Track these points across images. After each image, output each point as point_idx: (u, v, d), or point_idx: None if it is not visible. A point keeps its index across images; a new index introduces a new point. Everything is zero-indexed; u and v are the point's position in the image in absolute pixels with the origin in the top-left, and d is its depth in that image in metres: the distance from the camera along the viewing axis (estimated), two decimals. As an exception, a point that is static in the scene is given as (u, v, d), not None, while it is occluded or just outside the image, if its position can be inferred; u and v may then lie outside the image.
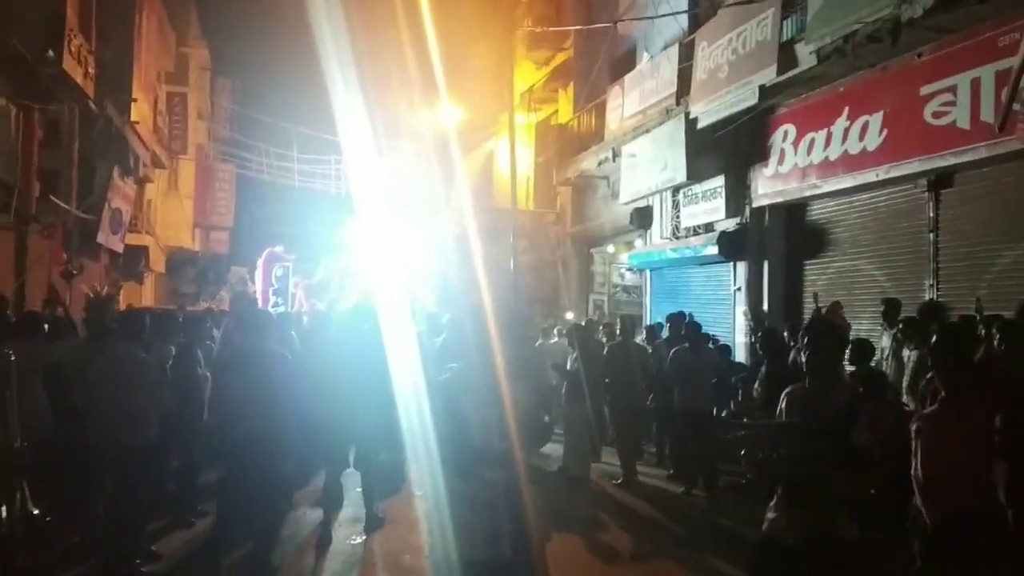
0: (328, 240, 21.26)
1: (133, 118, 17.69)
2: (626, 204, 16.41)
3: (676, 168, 13.80)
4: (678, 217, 15.28)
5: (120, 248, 19.87)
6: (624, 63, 18.00)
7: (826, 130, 11.25)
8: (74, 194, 14.35)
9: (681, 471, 9.89)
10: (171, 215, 31.10)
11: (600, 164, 17.66)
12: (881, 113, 10.29)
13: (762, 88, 11.61)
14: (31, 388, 6.13)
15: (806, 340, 4.25)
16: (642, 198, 15.73)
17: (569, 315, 18.73)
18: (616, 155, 16.83)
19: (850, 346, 6.65)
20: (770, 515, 4.29)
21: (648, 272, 16.84)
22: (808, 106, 11.70)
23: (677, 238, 15.48)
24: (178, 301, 30.83)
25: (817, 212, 12.31)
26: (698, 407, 9.29)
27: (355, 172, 27.88)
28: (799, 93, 11.73)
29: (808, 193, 11.81)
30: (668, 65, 14.44)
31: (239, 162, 33.27)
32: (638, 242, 17.96)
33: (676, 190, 15.25)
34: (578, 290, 20.60)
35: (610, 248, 19.91)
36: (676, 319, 10.53)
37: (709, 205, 13.98)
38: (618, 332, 11.32)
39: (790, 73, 11.09)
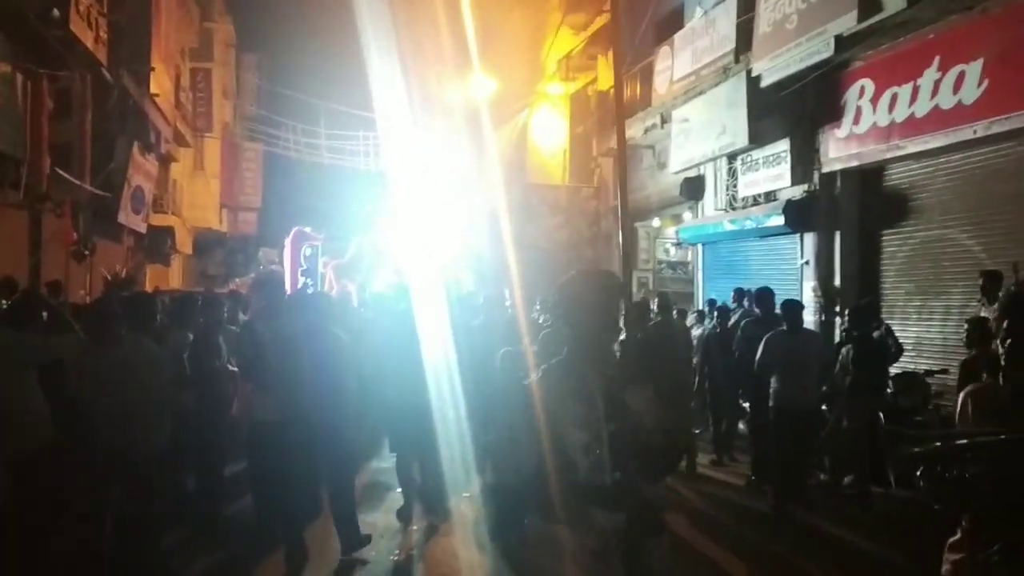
0: (358, 218, 20.37)
1: (152, 90, 16.80)
2: (677, 173, 15.29)
3: (736, 132, 12.66)
4: (735, 186, 14.15)
5: (143, 229, 19.08)
6: (670, 23, 16.82)
7: (912, 83, 10.06)
8: (87, 169, 13.47)
9: (764, 480, 8.66)
10: (197, 195, 30.36)
11: (646, 132, 16.53)
12: (980, 61, 9.08)
13: (839, 38, 10.45)
14: (20, 386, 5.20)
15: (1006, 323, 3.21)
16: (695, 166, 14.60)
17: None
18: (665, 121, 15.71)
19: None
20: (953, 556, 3.29)
21: (700, 247, 15.73)
22: (891, 57, 10.50)
23: (733, 209, 14.35)
24: (206, 284, 30.31)
25: (898, 176, 11.14)
26: (804, 405, 7.80)
27: (387, 147, 27.08)
28: (880, 43, 10.52)
29: (888, 155, 10.63)
30: (725, 19, 13.26)
31: (267, 140, 32.40)
32: (686, 215, 16.84)
33: (733, 157, 14.12)
34: (621, 267, 19.44)
35: (655, 222, 18.80)
36: (765, 296, 9.12)
37: (772, 172, 12.83)
38: (656, 311, 10.23)
39: (873, 19, 9.91)
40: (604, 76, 20.56)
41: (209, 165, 31.61)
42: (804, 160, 12.20)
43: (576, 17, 21.96)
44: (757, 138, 12.46)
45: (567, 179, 25.98)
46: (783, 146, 12.51)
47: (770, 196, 13.18)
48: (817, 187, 12.04)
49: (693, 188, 15.49)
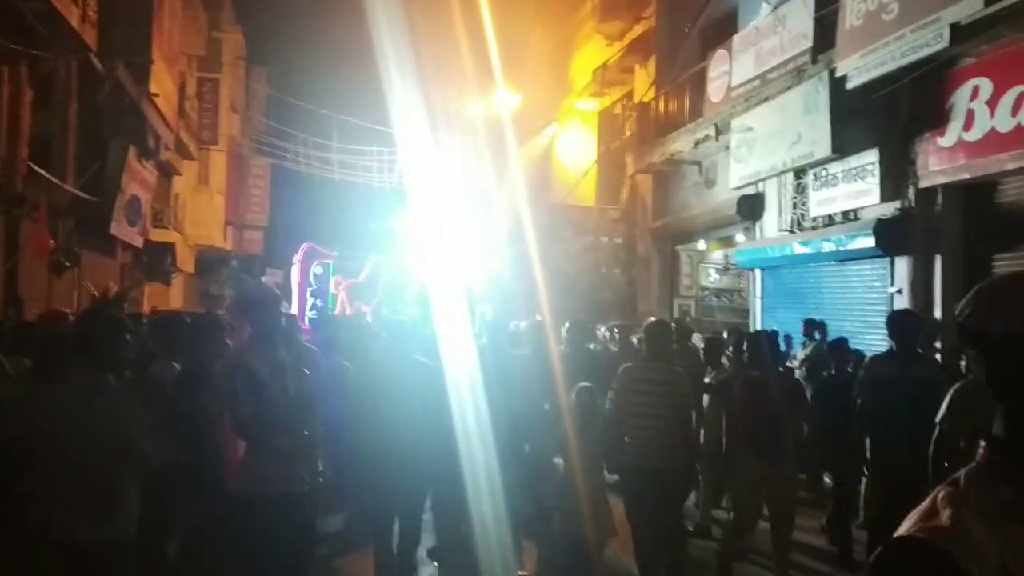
0: (373, 237, 18.82)
1: (152, 90, 15.28)
2: (736, 189, 13.66)
3: (816, 141, 11.05)
4: (805, 204, 12.52)
5: (139, 243, 17.49)
6: (720, 29, 15.30)
7: (1049, 80, 8.48)
8: (69, 168, 11.85)
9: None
10: (201, 211, 28.84)
11: (697, 145, 14.93)
12: None
13: (955, 27, 8.85)
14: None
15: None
16: (759, 180, 12.97)
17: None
18: (720, 133, 14.11)
19: None
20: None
21: (758, 272, 14.07)
22: (1016, 51, 8.89)
23: (801, 229, 12.72)
24: (208, 305, 28.76)
25: (1015, 192, 9.49)
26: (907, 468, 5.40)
27: (404, 163, 25.59)
28: (1003, 35, 8.93)
29: (1010, 166, 8.99)
30: (800, 14, 11.68)
31: (276, 154, 30.94)
32: (739, 237, 15.22)
33: (802, 172, 12.53)
34: (660, 294, 17.87)
35: (700, 245, 17.16)
36: (907, 323, 6.37)
37: (855, 187, 11.21)
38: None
39: (1002, 3, 8.32)
40: (642, 87, 19.04)
41: (214, 180, 30.13)
42: (896, 173, 10.58)
43: (610, 26, 20.54)
44: (841, 148, 10.84)
45: (594, 200, 24.51)
46: (870, 157, 10.89)
47: (849, 215, 11.55)
48: (912, 204, 10.40)
49: (751, 207, 13.88)
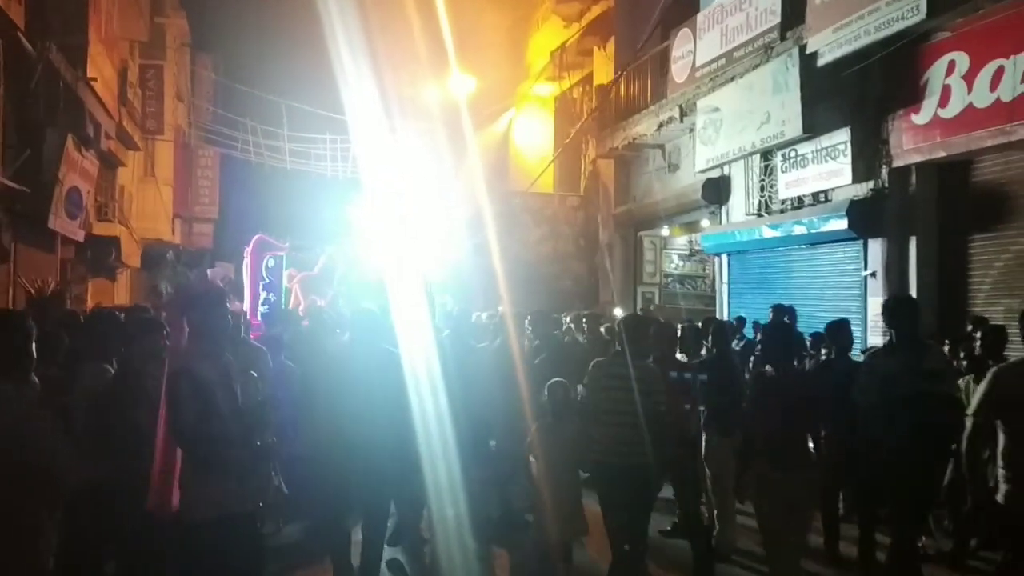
0: (327, 227, 18.11)
1: (90, 74, 14.44)
2: (702, 172, 13.30)
3: (787, 120, 10.70)
4: (773, 186, 12.18)
5: (80, 237, 16.64)
6: (683, 7, 14.88)
7: (1027, 53, 8.17)
8: (0, 157, 11.03)
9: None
10: (148, 204, 27.80)
11: (660, 128, 14.52)
12: None
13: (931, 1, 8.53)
14: None
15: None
16: (727, 162, 12.60)
17: (617, 311, 15.68)
18: (685, 114, 13.73)
19: None
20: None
21: (725, 257, 13.72)
22: (994, 23, 8.59)
23: (768, 212, 12.39)
24: (156, 300, 27.76)
25: (992, 170, 9.23)
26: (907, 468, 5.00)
27: (357, 152, 24.82)
28: (979, 7, 8.63)
29: (989, 143, 8.70)
30: (768, -10, 11.33)
31: (225, 144, 29.96)
32: (704, 222, 14.89)
33: (769, 154, 12.20)
34: (623, 282, 17.47)
35: (664, 231, 16.79)
36: (906, 309, 5.48)
37: (825, 168, 10.88)
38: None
39: (981, -28, 8.02)
40: (602, 70, 18.60)
41: (161, 171, 29.05)
42: (868, 153, 10.27)
43: (568, 7, 20.05)
44: (812, 128, 10.49)
45: (553, 187, 24.08)
46: (841, 137, 10.57)
47: (820, 197, 11.23)
48: (886, 184, 10.09)
49: (717, 190, 13.53)
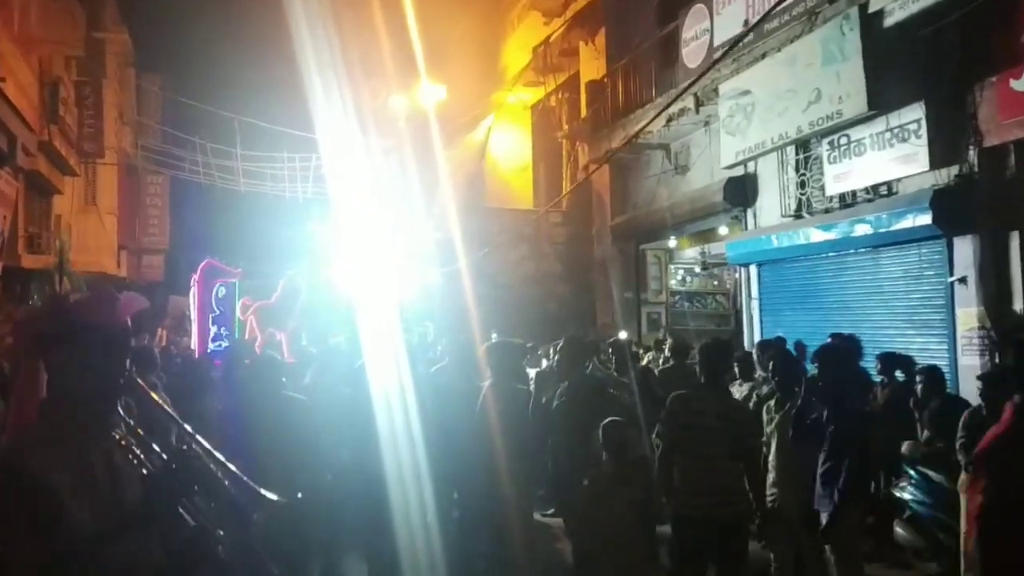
0: (288, 250, 16.01)
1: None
2: (730, 168, 11.38)
3: (846, 95, 8.80)
4: (818, 180, 10.27)
5: (-3, 269, 14.33)
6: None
7: None
8: None
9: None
10: (89, 235, 25.34)
11: (670, 122, 12.58)
12: None
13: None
14: None
15: None
16: (762, 154, 10.63)
17: (623, 335, 13.71)
18: (701, 103, 11.82)
19: None
20: None
21: (753, 268, 11.76)
22: None
23: (811, 212, 10.48)
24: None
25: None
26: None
27: (321, 170, 22.79)
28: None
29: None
30: (810, -56, 9.45)
31: (175, 166, 27.79)
32: (723, 228, 12.99)
33: (806, 144, 10.34)
34: (624, 301, 15.45)
35: (671, 242, 14.84)
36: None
37: (890, 153, 8.98)
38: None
39: None
40: (591, 67, 16.69)
41: (103, 199, 26.65)
42: (950, 131, 8.38)
43: (547, 0, 18.12)
44: (880, 102, 8.59)
45: (533, 203, 22.18)
46: (912, 114, 8.68)
47: (880, 190, 9.33)
48: (975, 169, 8.20)
49: (742, 191, 11.63)
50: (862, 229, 9.07)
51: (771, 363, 5.74)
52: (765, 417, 5.71)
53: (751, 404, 6.63)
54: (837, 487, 4.73)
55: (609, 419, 4.97)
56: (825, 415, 4.95)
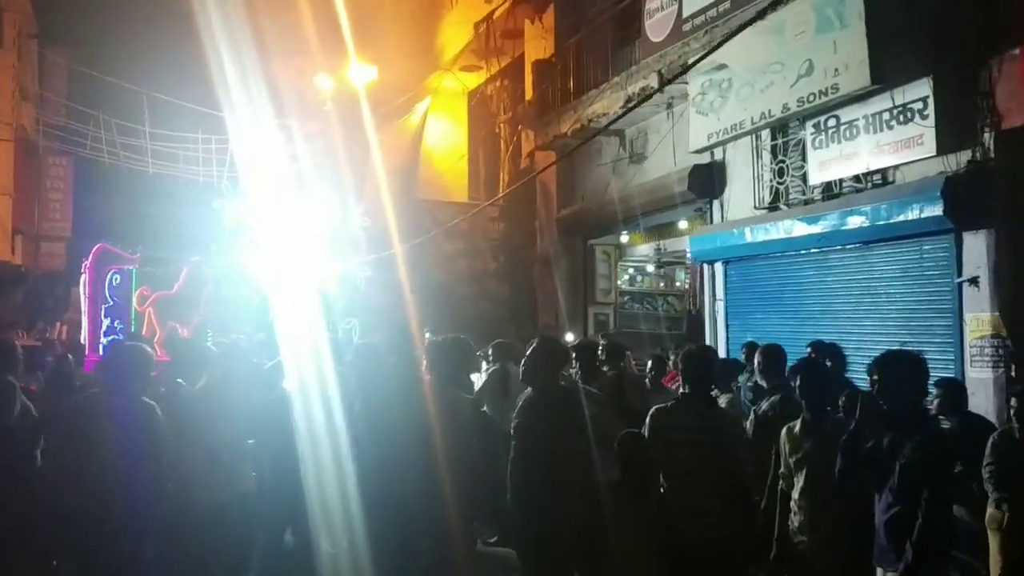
0: (193, 234, 14.34)
1: None
2: (700, 152, 10.22)
3: (844, 67, 7.69)
4: (801, 168, 9.17)
5: None
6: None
7: None
8: None
9: None
10: (-25, 217, 23.24)
11: (628, 103, 11.37)
12: None
13: None
14: None
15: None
16: (740, 135, 9.45)
17: (569, 337, 12.51)
18: (667, 81, 10.62)
19: None
20: None
21: (718, 266, 10.63)
22: None
23: (787, 204, 9.39)
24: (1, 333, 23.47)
25: None
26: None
27: (235, 150, 21.12)
28: None
29: None
30: None
31: (78, 143, 25.70)
32: (682, 222, 11.90)
33: (783, 128, 9.26)
34: (570, 301, 14.22)
35: (623, 237, 13.67)
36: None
37: (890, 137, 7.90)
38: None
39: None
40: (536, 46, 15.42)
41: (-3, 178, 24.48)
42: (961, 111, 7.33)
43: (490, -27, 16.82)
44: (884, 75, 7.50)
45: (467, 195, 20.91)
46: (918, 91, 7.61)
47: (872, 179, 8.27)
48: (990, 154, 7.17)
49: (709, 180, 10.50)
50: (855, 222, 7.98)
51: (797, 376, 4.53)
52: (785, 443, 4.51)
53: (748, 423, 5.53)
54: (911, 539, 3.55)
55: (627, 431, 4.65)
56: (887, 442, 3.76)
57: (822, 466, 4.13)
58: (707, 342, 10.67)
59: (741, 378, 7.53)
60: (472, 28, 18.35)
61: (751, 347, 7.44)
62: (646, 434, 4.56)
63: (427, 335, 10.15)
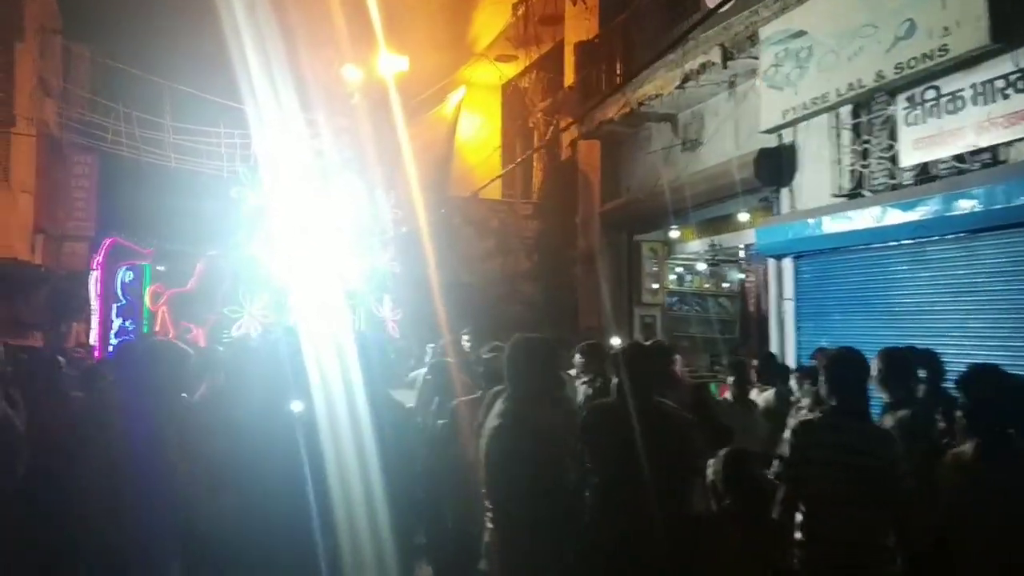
0: (210, 227, 13.45)
1: None
2: (770, 132, 9.15)
3: (953, 24, 6.60)
4: (891, 149, 8.06)
5: None
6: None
7: None
8: None
9: None
10: (-2, 215, 22.64)
11: (686, 82, 10.33)
12: None
13: None
14: None
15: None
16: (822, 111, 8.34)
17: (615, 341, 11.48)
18: (729, 56, 9.59)
19: None
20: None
21: (787, 263, 9.53)
22: None
23: (872, 191, 8.29)
24: (20, 334, 23.00)
25: None
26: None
27: (260, 145, 20.40)
28: None
29: None
30: None
31: (100, 138, 25.17)
32: (743, 215, 10.84)
33: (866, 104, 8.16)
34: (614, 302, 13.17)
35: (673, 232, 12.61)
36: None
37: (1001, 108, 6.80)
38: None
39: None
40: (578, 28, 14.40)
41: (18, 175, 23.83)
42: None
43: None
44: (1007, 31, 6.41)
45: (500, 192, 19.97)
46: (1036, 54, 6.51)
47: (980, 158, 7.16)
48: None
49: (777, 165, 9.42)
50: (963, 206, 6.87)
51: (968, 387, 3.47)
52: (952, 476, 3.46)
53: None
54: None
55: (734, 448, 4.13)
56: None
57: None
58: (771, 348, 9.61)
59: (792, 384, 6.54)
60: (509, 13, 17.44)
61: (823, 353, 6.33)
62: (787, 452, 4.00)
63: (465, 338, 9.21)
